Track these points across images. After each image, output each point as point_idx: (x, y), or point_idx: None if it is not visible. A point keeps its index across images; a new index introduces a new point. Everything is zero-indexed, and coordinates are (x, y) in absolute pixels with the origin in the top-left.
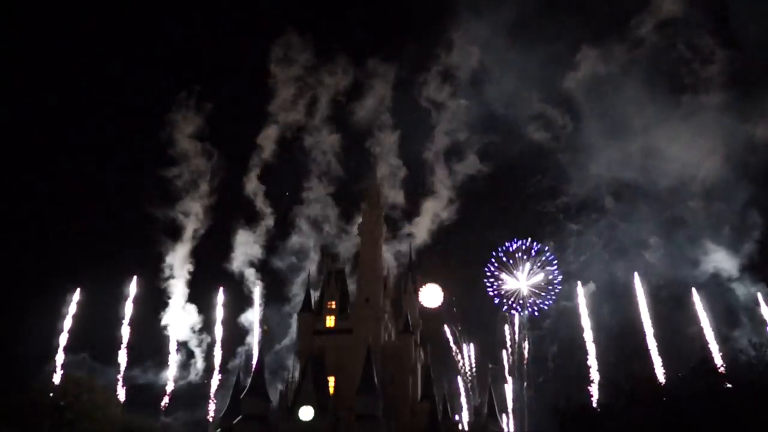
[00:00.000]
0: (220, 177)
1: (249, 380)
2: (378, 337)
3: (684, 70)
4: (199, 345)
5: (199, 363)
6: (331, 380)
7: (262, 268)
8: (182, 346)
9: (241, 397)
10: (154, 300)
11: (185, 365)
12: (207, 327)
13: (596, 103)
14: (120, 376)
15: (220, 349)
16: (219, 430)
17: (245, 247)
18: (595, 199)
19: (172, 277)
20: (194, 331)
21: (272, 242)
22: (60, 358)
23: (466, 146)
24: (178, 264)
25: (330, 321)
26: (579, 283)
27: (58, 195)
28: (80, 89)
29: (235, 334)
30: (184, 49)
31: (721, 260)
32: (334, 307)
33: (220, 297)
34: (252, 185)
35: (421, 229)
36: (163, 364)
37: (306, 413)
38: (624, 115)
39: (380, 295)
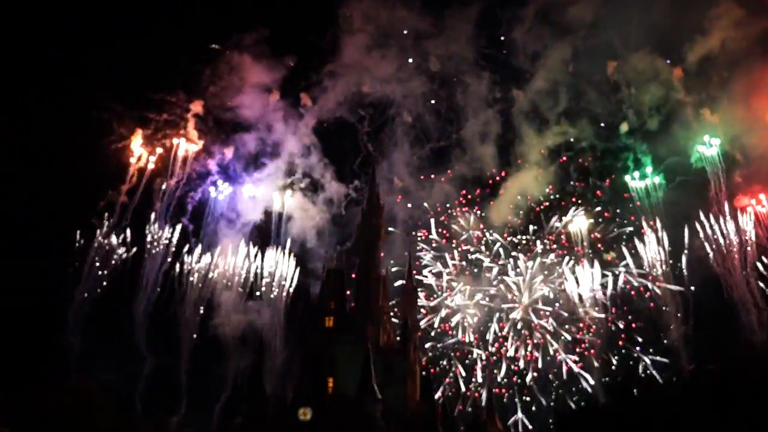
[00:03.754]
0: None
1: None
2: (377, 337)
3: None
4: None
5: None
6: (330, 381)
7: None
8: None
9: (240, 396)
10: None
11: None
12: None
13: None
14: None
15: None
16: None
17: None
18: None
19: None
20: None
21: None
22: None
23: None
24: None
25: (329, 321)
26: None
27: None
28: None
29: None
30: None
31: None
32: (333, 306)
33: None
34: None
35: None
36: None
37: (304, 414)
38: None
39: (379, 296)
